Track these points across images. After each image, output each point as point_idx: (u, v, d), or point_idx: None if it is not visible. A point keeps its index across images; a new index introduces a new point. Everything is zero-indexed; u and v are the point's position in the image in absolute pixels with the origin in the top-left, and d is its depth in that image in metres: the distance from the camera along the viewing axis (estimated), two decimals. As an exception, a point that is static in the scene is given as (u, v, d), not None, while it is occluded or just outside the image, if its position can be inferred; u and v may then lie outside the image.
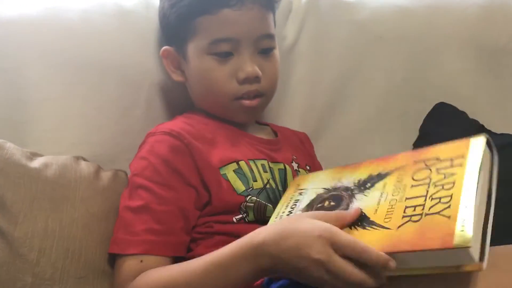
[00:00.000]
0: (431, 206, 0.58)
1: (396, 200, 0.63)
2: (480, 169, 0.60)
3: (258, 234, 0.63)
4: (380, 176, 0.69)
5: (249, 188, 0.79)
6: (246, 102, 0.85)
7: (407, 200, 0.62)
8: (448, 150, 0.66)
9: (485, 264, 0.53)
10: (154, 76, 0.94)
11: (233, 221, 0.77)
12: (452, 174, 0.61)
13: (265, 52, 0.86)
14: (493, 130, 1.07)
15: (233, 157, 0.81)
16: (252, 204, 0.77)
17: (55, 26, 0.90)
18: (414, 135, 1.08)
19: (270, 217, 0.76)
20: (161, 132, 0.79)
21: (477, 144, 0.64)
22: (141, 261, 0.71)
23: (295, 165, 0.89)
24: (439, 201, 0.58)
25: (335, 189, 0.72)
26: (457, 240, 0.52)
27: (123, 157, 0.87)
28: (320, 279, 0.59)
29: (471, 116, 1.09)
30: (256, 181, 0.80)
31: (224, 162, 0.79)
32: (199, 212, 0.77)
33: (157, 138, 0.79)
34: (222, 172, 0.78)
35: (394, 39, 1.11)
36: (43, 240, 0.69)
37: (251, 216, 0.77)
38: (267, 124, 0.99)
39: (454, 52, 1.14)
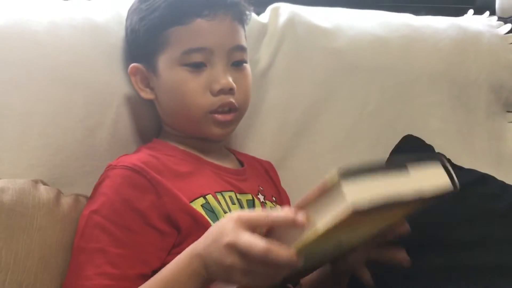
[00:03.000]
0: None
1: None
2: None
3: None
4: None
5: None
6: (220, 117, 0.82)
7: None
8: None
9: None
10: (122, 95, 0.90)
11: None
12: None
13: (238, 65, 0.85)
14: (460, 164, 1.08)
15: (200, 192, 0.77)
16: None
17: (20, 36, 0.85)
18: (383, 166, 1.08)
19: None
20: (123, 166, 0.75)
21: None
22: None
23: (261, 197, 0.86)
24: None
25: None
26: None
27: (85, 180, 0.83)
28: (233, 268, 0.56)
29: (439, 149, 1.09)
30: (226, 212, 0.78)
31: (191, 197, 0.76)
32: (165, 254, 0.73)
33: (118, 172, 0.75)
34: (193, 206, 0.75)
35: (369, 69, 1.10)
36: (-5, 274, 0.64)
37: None
38: (232, 151, 0.96)
39: (426, 84, 1.15)
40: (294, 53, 1.07)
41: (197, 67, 0.81)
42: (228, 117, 0.83)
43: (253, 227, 0.57)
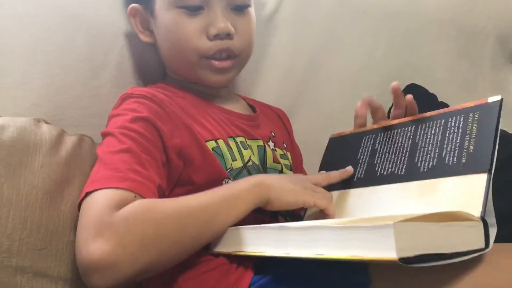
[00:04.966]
0: None
1: None
2: None
3: None
4: None
5: (228, 169, 0.75)
6: (216, 63, 0.79)
7: None
8: None
9: None
10: (127, 37, 0.88)
11: None
12: None
13: (239, 8, 0.81)
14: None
15: (211, 135, 0.76)
16: None
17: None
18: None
19: None
20: (140, 95, 0.73)
21: None
22: (135, 196, 0.62)
23: (271, 144, 0.85)
24: None
25: None
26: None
27: (89, 122, 0.82)
28: (301, 187, 0.70)
29: (443, 99, 1.08)
30: (235, 160, 0.76)
31: (204, 139, 0.74)
32: (172, 185, 0.71)
33: (137, 100, 0.72)
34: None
35: (378, 14, 1.09)
36: (-3, 209, 0.63)
37: None
38: (241, 97, 0.94)
39: (435, 32, 1.13)
40: (301, -3, 1.05)
41: (194, 9, 0.78)
42: (225, 63, 0.79)
43: None
